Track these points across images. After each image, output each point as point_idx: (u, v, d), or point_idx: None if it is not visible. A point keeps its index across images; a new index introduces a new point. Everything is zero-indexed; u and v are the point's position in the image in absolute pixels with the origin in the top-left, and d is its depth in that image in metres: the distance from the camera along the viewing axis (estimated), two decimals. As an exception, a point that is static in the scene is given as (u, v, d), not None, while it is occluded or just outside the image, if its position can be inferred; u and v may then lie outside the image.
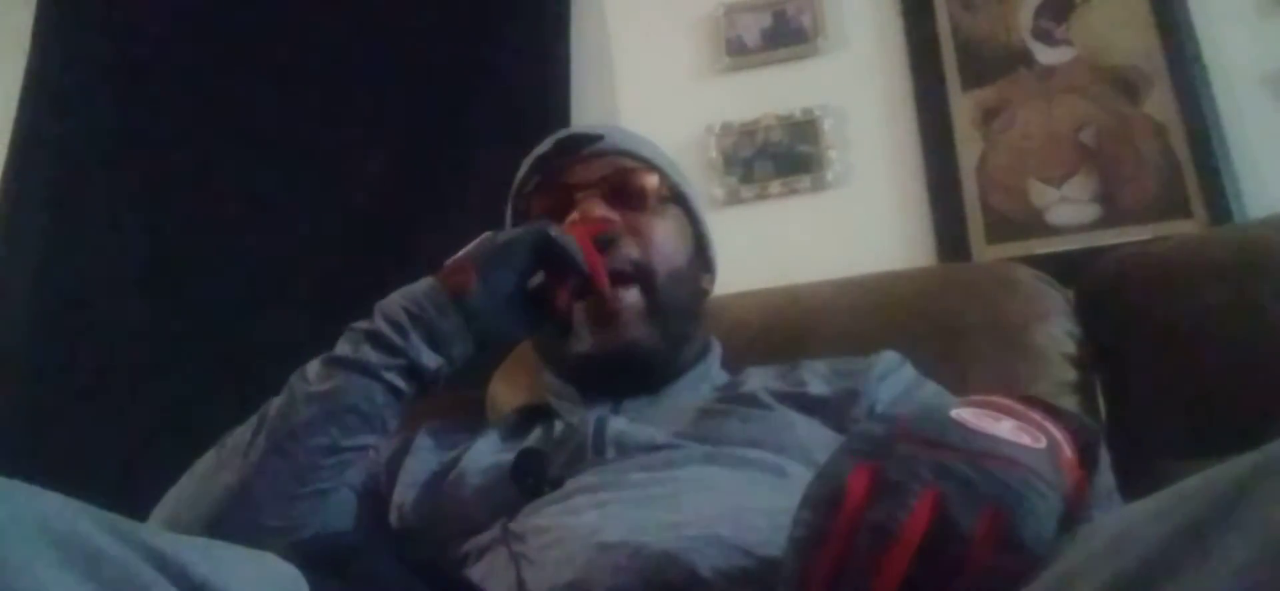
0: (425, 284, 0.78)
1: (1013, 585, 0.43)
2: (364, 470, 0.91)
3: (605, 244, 0.86)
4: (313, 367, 0.76)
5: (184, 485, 0.77)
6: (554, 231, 0.81)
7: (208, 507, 0.73)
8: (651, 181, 0.94)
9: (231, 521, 0.71)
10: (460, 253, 0.80)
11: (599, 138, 0.94)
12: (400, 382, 0.75)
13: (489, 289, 0.78)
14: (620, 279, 0.87)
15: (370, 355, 0.75)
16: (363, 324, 0.77)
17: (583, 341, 0.87)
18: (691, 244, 0.97)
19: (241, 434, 0.76)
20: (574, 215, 0.88)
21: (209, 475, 0.76)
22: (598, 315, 0.87)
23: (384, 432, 0.77)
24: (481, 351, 0.79)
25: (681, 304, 0.93)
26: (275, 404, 0.76)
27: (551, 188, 0.93)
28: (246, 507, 0.73)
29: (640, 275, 0.88)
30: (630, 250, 0.88)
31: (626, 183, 0.92)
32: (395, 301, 0.78)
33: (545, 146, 0.96)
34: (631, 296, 0.88)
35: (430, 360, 0.75)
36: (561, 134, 0.98)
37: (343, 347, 0.76)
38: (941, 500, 0.44)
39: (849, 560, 0.45)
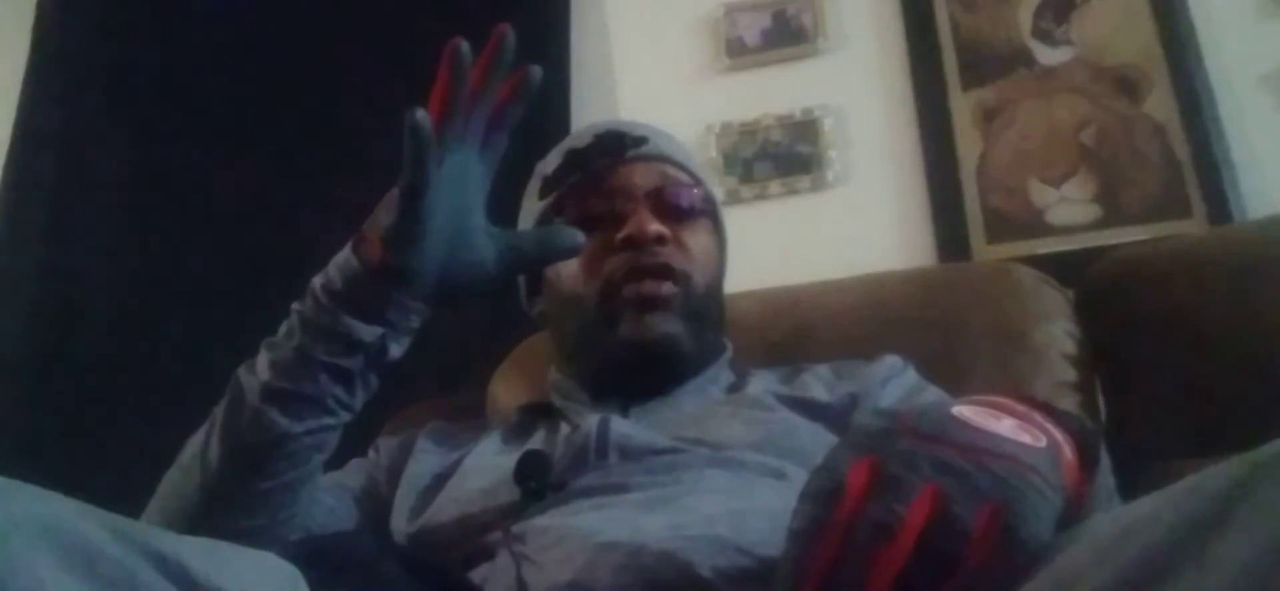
0: (342, 255, 0.72)
1: (1011, 583, 0.43)
2: (365, 473, 0.91)
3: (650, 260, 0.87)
4: (260, 358, 0.72)
5: (155, 504, 0.76)
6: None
7: (179, 522, 0.72)
8: (694, 194, 0.94)
9: (204, 530, 0.67)
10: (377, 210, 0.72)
11: (644, 140, 0.93)
12: (343, 362, 0.70)
13: (416, 247, 0.69)
14: (660, 275, 0.88)
15: (304, 339, 0.70)
16: (297, 306, 0.72)
17: (625, 328, 0.87)
18: (721, 255, 0.98)
19: (197, 440, 0.75)
20: (629, 228, 0.87)
21: (174, 489, 0.75)
22: (641, 302, 0.87)
23: (346, 410, 0.73)
24: (442, 304, 0.73)
25: (714, 316, 0.94)
26: (224, 402, 0.73)
27: (594, 189, 0.91)
28: (215, 513, 0.72)
29: (680, 282, 0.89)
30: (674, 260, 0.89)
31: (672, 194, 0.92)
32: (319, 278, 0.72)
33: (584, 140, 0.94)
34: (671, 288, 0.88)
35: (367, 334, 0.70)
36: (601, 128, 0.95)
37: (281, 332, 0.73)
38: (941, 496, 0.44)
39: (847, 554, 0.45)
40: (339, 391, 0.71)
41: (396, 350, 0.72)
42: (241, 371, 0.73)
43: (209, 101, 1.86)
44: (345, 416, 0.73)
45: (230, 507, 0.72)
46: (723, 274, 0.98)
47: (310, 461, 0.74)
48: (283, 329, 0.73)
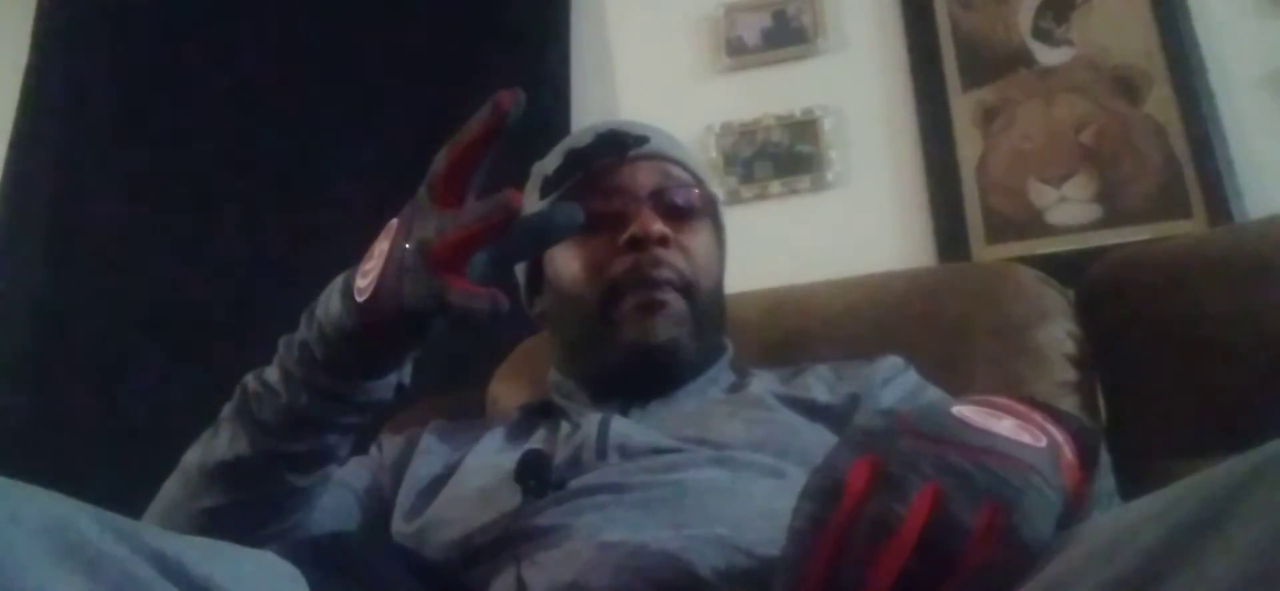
0: (343, 323, 0.64)
1: (1010, 582, 0.43)
2: (368, 472, 0.91)
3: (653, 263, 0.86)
4: (260, 408, 0.69)
5: (153, 512, 0.76)
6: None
7: None
8: (696, 193, 0.94)
9: None
10: (369, 264, 0.64)
11: (645, 140, 0.93)
12: (352, 419, 0.70)
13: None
14: (663, 284, 0.87)
15: (318, 408, 0.68)
16: (297, 370, 0.67)
17: (627, 332, 0.87)
18: (721, 255, 0.98)
19: (198, 469, 0.73)
20: (632, 230, 0.87)
21: (170, 513, 0.74)
22: (644, 307, 0.87)
23: (348, 451, 0.74)
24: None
25: (716, 316, 0.94)
26: (225, 443, 0.71)
27: (595, 189, 0.90)
28: None
29: (683, 288, 0.88)
30: (676, 264, 0.88)
31: (674, 194, 0.92)
32: (319, 350, 0.66)
33: (585, 140, 0.94)
34: (674, 296, 0.88)
35: (385, 391, 0.69)
36: (602, 128, 0.95)
37: (281, 388, 0.68)
38: (941, 495, 0.44)
39: (847, 553, 0.45)
40: (348, 439, 0.73)
41: (408, 376, 0.72)
42: (235, 420, 0.71)
43: (211, 104, 1.86)
44: (341, 464, 0.75)
45: None
46: (723, 274, 0.98)
47: (310, 502, 0.75)
48: (283, 385, 0.68)
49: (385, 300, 0.61)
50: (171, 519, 0.73)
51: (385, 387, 0.69)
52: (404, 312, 0.61)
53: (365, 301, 0.62)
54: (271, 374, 0.70)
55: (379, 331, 0.63)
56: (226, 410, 0.73)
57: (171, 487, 0.75)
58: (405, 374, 0.71)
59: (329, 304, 0.66)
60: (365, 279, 0.63)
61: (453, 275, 0.59)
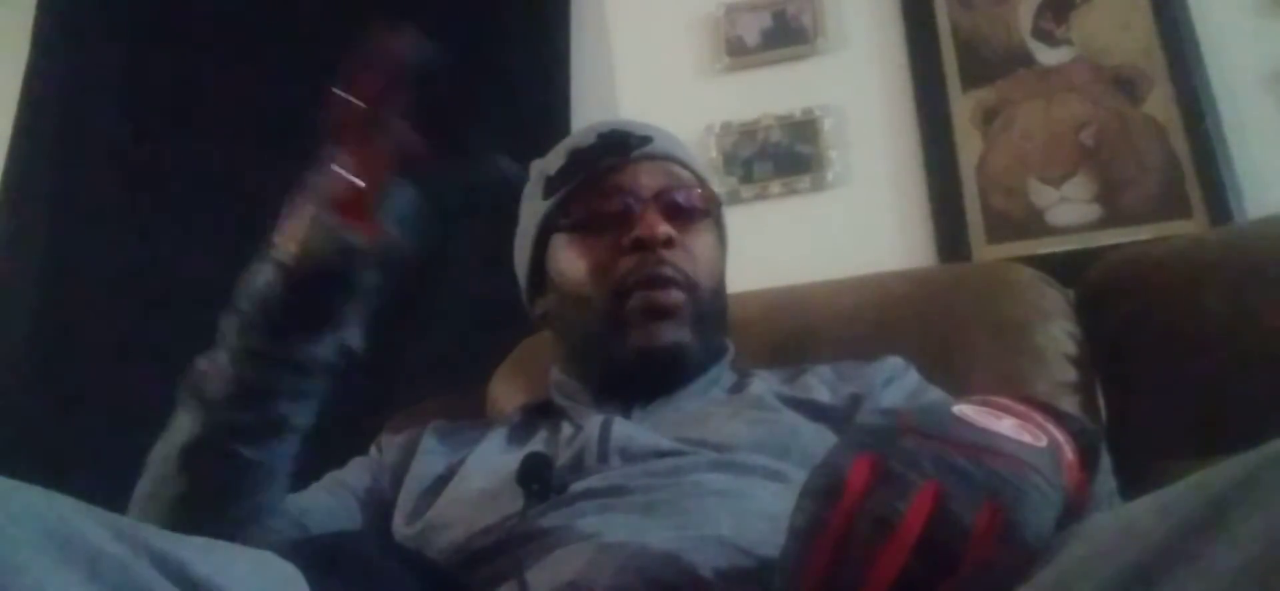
0: (270, 285, 0.69)
1: (1010, 581, 0.43)
2: (368, 473, 0.91)
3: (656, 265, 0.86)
4: (212, 385, 0.71)
5: (130, 512, 0.76)
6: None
7: None
8: (699, 194, 0.94)
9: None
10: (286, 224, 0.70)
11: (649, 140, 0.93)
12: (299, 383, 0.71)
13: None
14: (669, 284, 0.87)
15: (252, 374, 0.70)
16: (236, 339, 0.71)
17: (634, 336, 0.86)
18: (723, 255, 0.98)
19: (162, 459, 0.74)
20: (637, 231, 0.87)
21: (143, 510, 0.75)
22: (650, 311, 0.87)
23: (305, 420, 0.75)
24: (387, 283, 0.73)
25: (718, 317, 0.94)
26: (181, 428, 0.73)
27: (599, 190, 0.90)
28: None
29: (686, 288, 0.88)
30: (681, 265, 0.88)
31: (678, 194, 0.91)
32: (252, 306, 0.70)
33: (588, 140, 0.93)
34: (679, 296, 0.88)
35: (320, 352, 0.71)
36: (605, 128, 0.94)
37: (228, 364, 0.71)
38: (941, 493, 0.44)
39: (847, 551, 0.45)
40: (301, 407, 0.73)
41: (356, 341, 0.72)
42: (193, 402, 0.72)
43: (210, 101, 1.86)
44: (299, 434, 0.75)
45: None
46: (724, 274, 0.98)
47: (273, 480, 0.76)
48: (227, 357, 0.71)
49: (300, 256, 0.66)
50: (145, 515, 0.74)
51: (326, 348, 0.70)
52: (316, 265, 0.64)
53: (283, 259, 0.67)
54: (217, 351, 0.72)
55: (302, 288, 0.67)
56: (180, 396, 0.74)
57: (142, 485, 0.77)
58: (352, 336, 0.72)
59: (259, 269, 0.70)
60: (281, 237, 0.68)
61: (360, 222, 0.62)
